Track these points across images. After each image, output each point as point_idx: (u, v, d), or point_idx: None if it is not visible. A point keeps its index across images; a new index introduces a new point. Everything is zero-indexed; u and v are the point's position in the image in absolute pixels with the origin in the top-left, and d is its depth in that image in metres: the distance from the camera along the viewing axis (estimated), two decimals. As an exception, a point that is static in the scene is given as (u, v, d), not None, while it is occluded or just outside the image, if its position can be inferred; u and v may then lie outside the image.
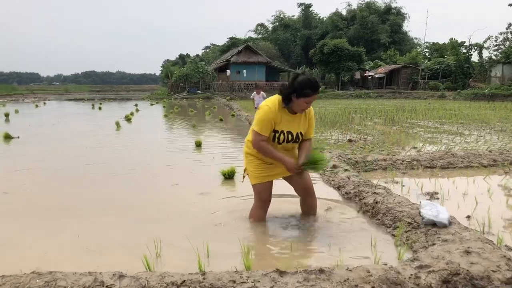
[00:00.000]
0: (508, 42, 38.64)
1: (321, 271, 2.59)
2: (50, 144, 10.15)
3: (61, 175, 6.47)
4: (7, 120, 16.54)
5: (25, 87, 79.54)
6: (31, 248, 3.50)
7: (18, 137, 10.64)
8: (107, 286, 2.46)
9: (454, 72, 40.78)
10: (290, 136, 3.68)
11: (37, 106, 28.77)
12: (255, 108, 13.09)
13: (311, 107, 3.72)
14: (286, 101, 3.53)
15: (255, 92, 14.65)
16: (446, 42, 49.49)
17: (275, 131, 3.64)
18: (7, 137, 10.45)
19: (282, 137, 3.65)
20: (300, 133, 3.72)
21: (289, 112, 3.64)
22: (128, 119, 16.21)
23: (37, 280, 2.47)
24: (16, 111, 21.55)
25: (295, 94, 3.45)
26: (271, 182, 3.87)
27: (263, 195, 3.86)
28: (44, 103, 32.99)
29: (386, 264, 2.72)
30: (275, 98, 3.61)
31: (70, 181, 6.06)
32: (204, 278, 2.52)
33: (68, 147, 9.40)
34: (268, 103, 3.59)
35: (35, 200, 4.97)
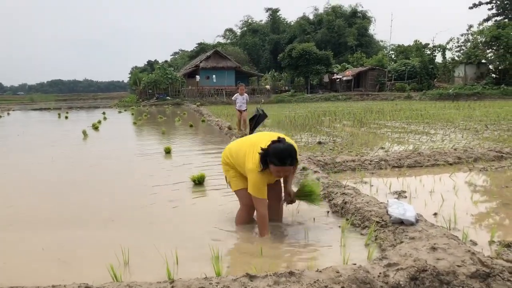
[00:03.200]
0: (469, 43, 39.83)
1: (291, 273, 2.58)
2: (14, 155, 9.83)
3: (25, 187, 6.27)
4: (-32, 132, 15.96)
5: (-13, 98, 76.93)
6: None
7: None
8: (71, 299, 2.38)
9: (419, 73, 41.79)
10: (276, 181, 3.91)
11: (0, 116, 27.87)
12: (238, 110, 12.32)
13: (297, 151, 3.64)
14: (263, 163, 3.48)
15: (237, 94, 12.74)
16: (411, 44, 50.68)
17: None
18: (-32, 149, 10.07)
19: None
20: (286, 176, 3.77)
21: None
22: (95, 127, 15.88)
23: (-3, 297, 2.37)
24: (-22, 123, 20.83)
25: (268, 159, 3.44)
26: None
27: (245, 200, 3.83)
28: (8, 114, 32.01)
29: (355, 264, 2.73)
30: (257, 159, 3.53)
31: (35, 193, 5.87)
32: (172, 286, 2.48)
33: (33, 159, 9.11)
34: (255, 166, 3.54)
35: (1, 216, 4.80)
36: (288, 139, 3.57)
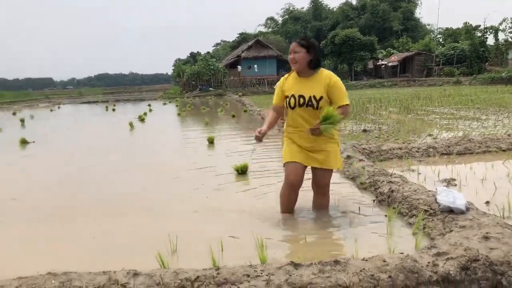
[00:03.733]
0: (524, 24, 37.80)
1: (336, 262, 2.55)
2: (64, 147, 10.26)
3: (75, 177, 6.53)
4: (22, 125, 16.76)
5: (39, 92, 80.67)
6: (47, 249, 3.53)
7: (34, 141, 10.78)
8: (121, 284, 2.46)
9: (469, 57, 40.09)
10: (301, 100, 3.57)
11: (51, 110, 29.14)
12: None
13: (332, 75, 3.62)
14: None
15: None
16: (460, 27, 48.68)
17: (286, 97, 3.69)
18: (23, 142, 10.59)
19: (292, 101, 3.61)
20: (314, 97, 3.53)
21: (301, 77, 3.64)
22: (141, 119, 16.31)
23: (53, 281, 2.48)
24: (32, 116, 21.85)
25: None
26: (300, 166, 3.70)
27: (290, 177, 3.71)
28: (59, 107, 33.41)
29: (402, 253, 2.66)
30: None
31: (85, 183, 6.11)
32: (218, 273, 2.51)
33: (82, 150, 9.49)
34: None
35: (50, 203, 5.03)
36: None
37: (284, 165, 3.77)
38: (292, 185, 3.74)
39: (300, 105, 3.58)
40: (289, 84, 3.69)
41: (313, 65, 3.55)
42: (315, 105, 3.54)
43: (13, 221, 4.39)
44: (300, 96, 3.57)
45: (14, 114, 25.35)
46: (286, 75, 3.78)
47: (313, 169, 3.78)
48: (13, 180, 6.45)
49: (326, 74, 3.60)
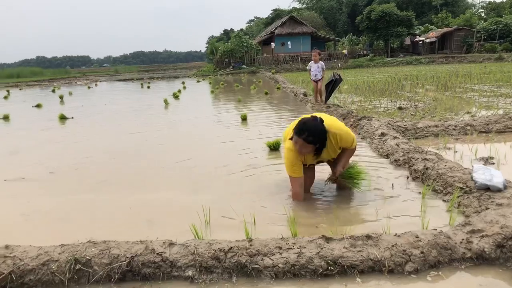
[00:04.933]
0: None
1: (368, 237, 2.57)
2: (102, 123, 10.54)
3: (113, 152, 6.72)
4: (61, 102, 17.28)
5: (77, 70, 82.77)
6: (87, 220, 3.69)
7: (72, 117, 11.11)
8: (157, 253, 2.55)
9: (513, 32, 38.25)
10: (320, 163, 3.97)
11: (89, 87, 29.86)
12: (313, 81, 10.66)
13: (336, 134, 3.53)
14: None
15: (311, 62, 10.91)
16: (504, 0, 46.36)
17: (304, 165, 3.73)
18: (62, 118, 10.95)
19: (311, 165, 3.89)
20: (333, 158, 3.81)
21: None
22: (175, 96, 16.50)
23: (93, 249, 2.61)
24: (70, 93, 22.48)
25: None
26: (305, 177, 3.79)
27: (295, 189, 3.78)
28: (96, 85, 34.18)
29: (435, 229, 2.65)
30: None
31: (121, 157, 6.28)
32: (250, 245, 2.57)
33: (119, 126, 9.75)
34: (287, 144, 3.61)
35: (90, 175, 5.21)
36: (331, 122, 3.55)
37: (289, 176, 3.76)
38: (299, 196, 3.77)
39: (317, 163, 3.96)
40: (303, 157, 3.61)
41: (320, 149, 3.50)
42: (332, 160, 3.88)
43: (57, 194, 4.58)
44: (319, 161, 3.91)
45: (53, 91, 26.11)
46: (291, 147, 3.54)
47: (327, 162, 4.00)
48: (51, 155, 6.69)
49: (332, 135, 3.52)
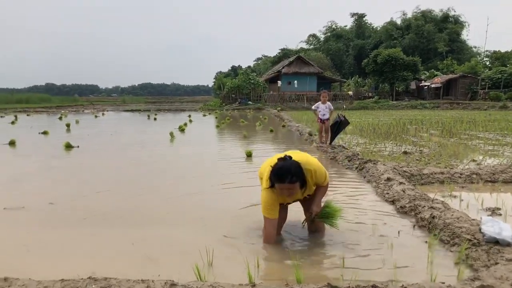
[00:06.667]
0: None
1: (374, 287, 2.51)
2: (107, 154, 10.56)
3: (116, 184, 6.70)
4: (68, 130, 17.40)
5: (85, 99, 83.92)
6: (88, 254, 3.63)
7: (78, 146, 11.16)
8: (159, 293, 2.50)
9: (517, 82, 38.72)
10: (294, 202, 3.95)
11: (96, 116, 30.14)
12: (319, 122, 10.74)
13: (311, 170, 3.56)
14: (271, 183, 3.47)
15: (319, 102, 10.92)
16: (509, 50, 47.16)
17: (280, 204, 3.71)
18: (68, 146, 10.99)
19: (287, 204, 3.88)
20: (308, 195, 3.81)
21: None
22: (181, 129, 16.61)
23: (93, 286, 2.56)
24: (77, 122, 22.66)
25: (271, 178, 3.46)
26: (279, 218, 3.77)
27: (268, 230, 3.74)
28: (103, 114, 34.51)
29: (444, 283, 2.58)
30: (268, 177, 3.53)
31: (125, 190, 6.25)
32: (254, 290, 2.51)
33: (124, 158, 9.75)
34: (266, 184, 3.56)
35: (92, 208, 5.16)
36: (304, 158, 3.57)
37: (264, 217, 3.71)
38: (271, 237, 3.74)
39: (295, 201, 3.93)
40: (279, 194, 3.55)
41: (303, 184, 3.50)
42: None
43: (57, 225, 4.54)
44: (295, 201, 3.93)
45: (60, 118, 26.37)
46: (270, 188, 3.52)
47: (300, 201, 3.99)
48: (54, 185, 6.68)
49: (308, 171, 3.54)
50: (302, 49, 69.48)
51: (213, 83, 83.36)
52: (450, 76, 44.82)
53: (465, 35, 66.59)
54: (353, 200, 5.30)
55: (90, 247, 3.80)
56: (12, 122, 22.25)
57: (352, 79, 53.90)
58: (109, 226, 4.45)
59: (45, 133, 15.48)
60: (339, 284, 2.57)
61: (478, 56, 58.25)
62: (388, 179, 5.68)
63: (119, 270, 3.14)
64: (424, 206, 4.33)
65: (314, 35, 77.69)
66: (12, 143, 11.79)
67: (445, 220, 3.82)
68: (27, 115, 32.57)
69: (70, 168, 8.20)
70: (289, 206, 3.98)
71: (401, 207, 4.70)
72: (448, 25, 62.98)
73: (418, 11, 66.39)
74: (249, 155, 9.09)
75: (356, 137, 12.39)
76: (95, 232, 4.21)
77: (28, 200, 5.44)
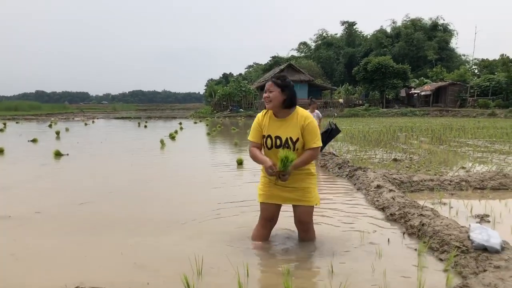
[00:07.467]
0: None
1: (363, 295, 2.50)
2: (96, 161, 10.48)
3: (105, 192, 6.64)
4: (57, 138, 17.26)
5: (75, 106, 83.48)
6: (76, 263, 3.58)
7: (68, 154, 11.07)
8: (147, 303, 2.47)
9: (505, 89, 39.29)
10: (278, 141, 3.59)
11: (86, 124, 29.95)
12: None
13: (306, 115, 3.60)
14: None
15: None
16: (497, 59, 47.82)
17: (263, 136, 3.67)
18: (57, 154, 10.89)
19: (269, 141, 3.63)
20: (290, 138, 3.55)
21: (277, 118, 3.63)
22: (172, 137, 16.57)
23: (81, 295, 2.52)
24: (67, 129, 22.51)
25: None
26: (275, 206, 3.80)
27: (264, 213, 3.84)
28: (93, 121, 34.33)
29: (433, 291, 2.59)
30: None
31: (114, 198, 6.20)
32: (243, 299, 2.49)
33: (114, 165, 9.69)
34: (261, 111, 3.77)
35: (80, 216, 5.11)
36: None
37: (260, 203, 3.83)
38: (265, 220, 3.84)
39: (277, 146, 3.60)
40: (265, 123, 3.65)
41: (287, 105, 3.56)
42: (292, 147, 3.57)
43: (44, 234, 4.49)
44: (277, 137, 3.61)
45: (50, 126, 26.18)
46: (263, 111, 3.74)
47: (294, 207, 3.82)
48: (41, 193, 6.61)
49: (301, 115, 3.60)
50: (293, 57, 69.81)
51: (204, 91, 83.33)
52: (440, 83, 45.27)
53: (454, 43, 67.48)
54: (343, 207, 5.30)
55: (78, 256, 3.75)
56: (1, 130, 22.05)
57: (343, 86, 54.17)
58: (98, 234, 4.40)
59: (34, 140, 15.35)
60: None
61: (466, 64, 58.96)
62: (378, 187, 5.70)
63: (108, 279, 3.10)
64: (414, 213, 4.35)
65: (305, 43, 78.09)
66: (0, 151, 11.66)
67: (434, 227, 3.84)
68: (17, 122, 32.30)
69: (59, 176, 8.12)
70: (280, 214, 3.95)
71: (390, 214, 4.71)
72: (437, 33, 63.71)
73: (408, 19, 67.11)
74: (240, 163, 9.09)
75: (347, 144, 12.44)
76: (84, 241, 4.16)
77: (15, 209, 5.36)
